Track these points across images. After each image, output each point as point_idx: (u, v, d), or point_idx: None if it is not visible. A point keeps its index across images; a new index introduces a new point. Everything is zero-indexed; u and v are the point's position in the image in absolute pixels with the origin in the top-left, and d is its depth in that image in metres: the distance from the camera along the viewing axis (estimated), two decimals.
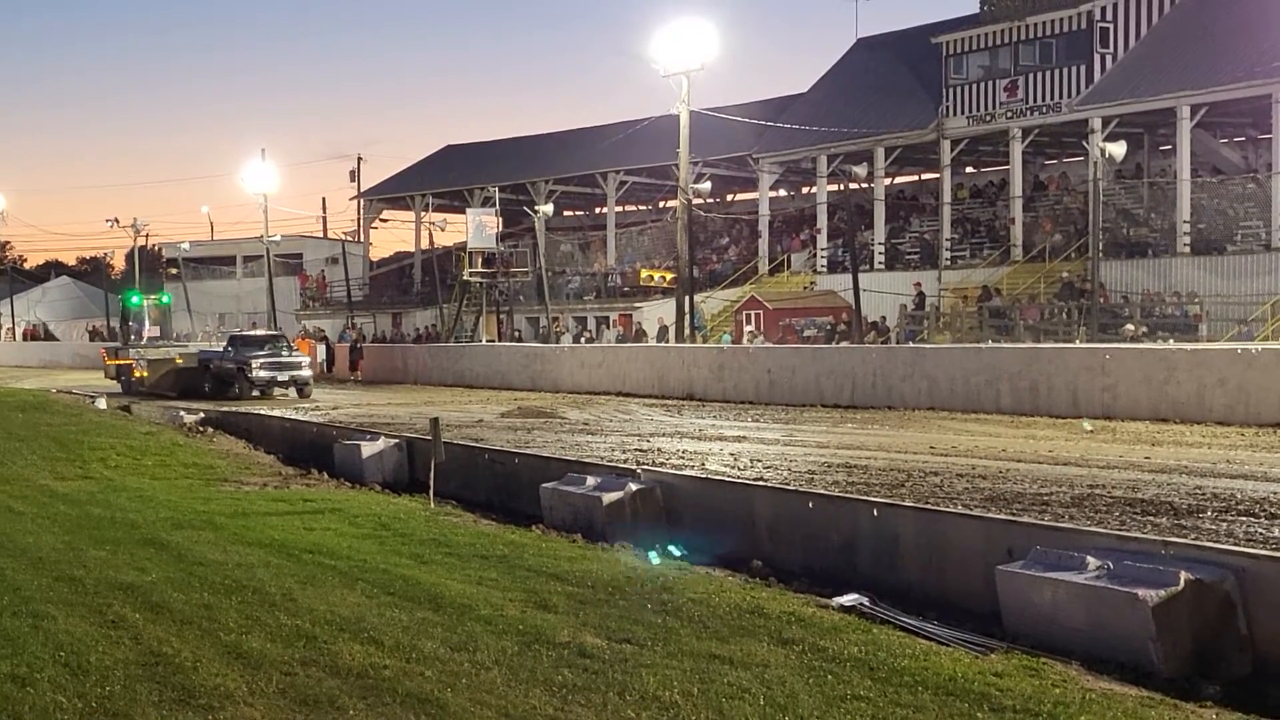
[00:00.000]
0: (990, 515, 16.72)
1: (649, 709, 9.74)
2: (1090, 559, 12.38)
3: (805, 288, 68.66)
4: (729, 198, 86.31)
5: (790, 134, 69.25)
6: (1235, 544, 14.72)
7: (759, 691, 10.10)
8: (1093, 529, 14.83)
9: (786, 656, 11.23)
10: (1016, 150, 61.89)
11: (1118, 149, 48.67)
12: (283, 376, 53.03)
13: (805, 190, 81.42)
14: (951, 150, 64.66)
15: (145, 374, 57.93)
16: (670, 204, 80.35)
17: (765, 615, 12.75)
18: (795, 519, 17.49)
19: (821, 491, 19.56)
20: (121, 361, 61.02)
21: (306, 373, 53.90)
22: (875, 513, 16.33)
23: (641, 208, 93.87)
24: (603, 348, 58.32)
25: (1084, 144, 58.33)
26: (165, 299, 72.47)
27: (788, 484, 21.65)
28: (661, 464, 24.87)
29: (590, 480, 20.41)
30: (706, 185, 65.83)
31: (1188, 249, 54.65)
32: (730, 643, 11.71)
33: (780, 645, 11.61)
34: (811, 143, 69.00)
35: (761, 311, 63.58)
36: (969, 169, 73.94)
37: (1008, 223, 63.13)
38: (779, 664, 10.97)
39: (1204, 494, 19.62)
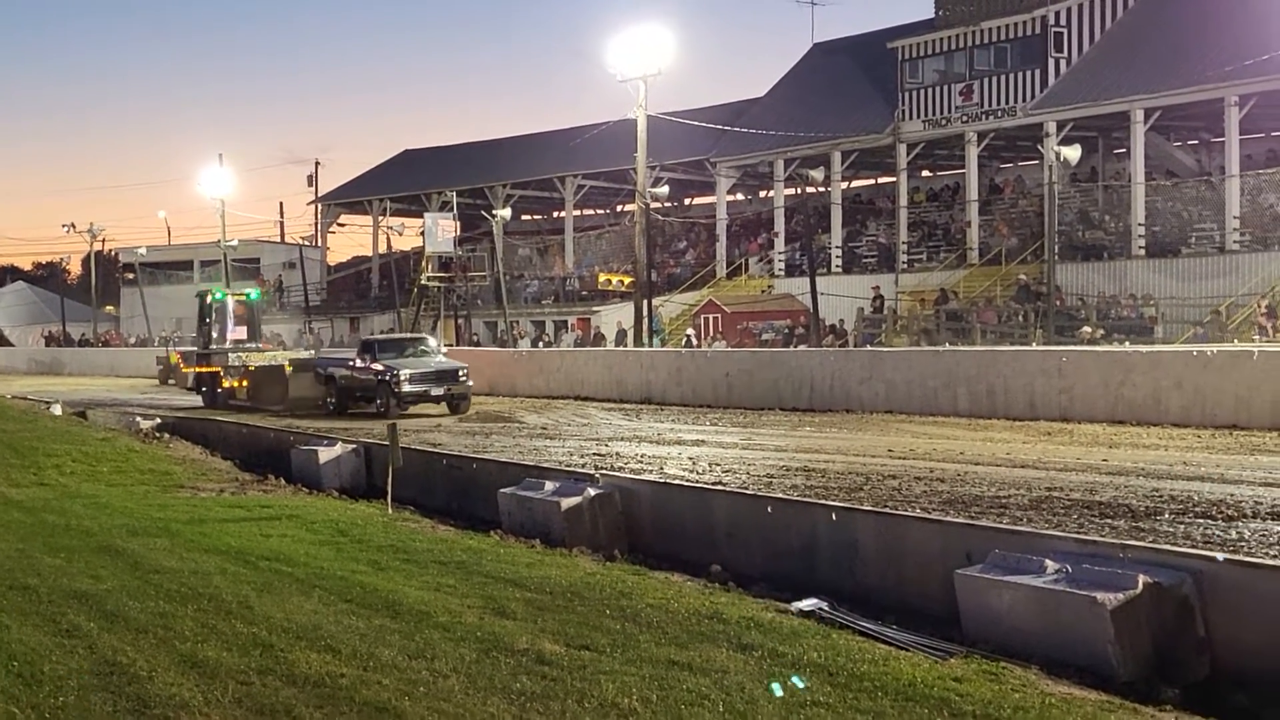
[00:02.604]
0: (948, 519, 16.74)
1: (608, 716, 9.70)
2: (1049, 562, 12.38)
3: (763, 291, 68.76)
4: (687, 201, 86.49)
5: (747, 138, 69.36)
6: (1193, 546, 14.78)
7: (718, 698, 10.06)
8: (1051, 532, 14.85)
9: (746, 662, 11.19)
10: (972, 154, 62.13)
11: (1072, 152, 48.93)
12: (437, 389, 43.80)
13: (763, 194, 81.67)
14: (908, 154, 64.87)
15: (240, 383, 49.86)
16: (628, 208, 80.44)
17: (724, 621, 12.71)
18: (754, 523, 17.46)
19: (780, 495, 19.55)
20: (206, 369, 52.24)
21: (467, 383, 44.58)
22: (834, 516, 16.31)
23: (599, 212, 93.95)
24: (561, 352, 58.23)
25: (1039, 147, 58.62)
26: (254, 294, 58.81)
27: (746, 488, 21.65)
28: (620, 468, 24.86)
29: (548, 485, 20.33)
30: (664, 189, 66.03)
31: (1143, 251, 54.94)
32: (689, 649, 11.66)
33: (739, 651, 11.57)
34: (769, 147, 69.11)
35: (719, 315, 63.66)
36: (925, 173, 74.24)
37: (964, 226, 63.37)
38: (738, 670, 10.94)
39: (1161, 496, 19.68)
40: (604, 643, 11.89)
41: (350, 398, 45.73)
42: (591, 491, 19.61)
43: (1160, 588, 11.61)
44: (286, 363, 49.53)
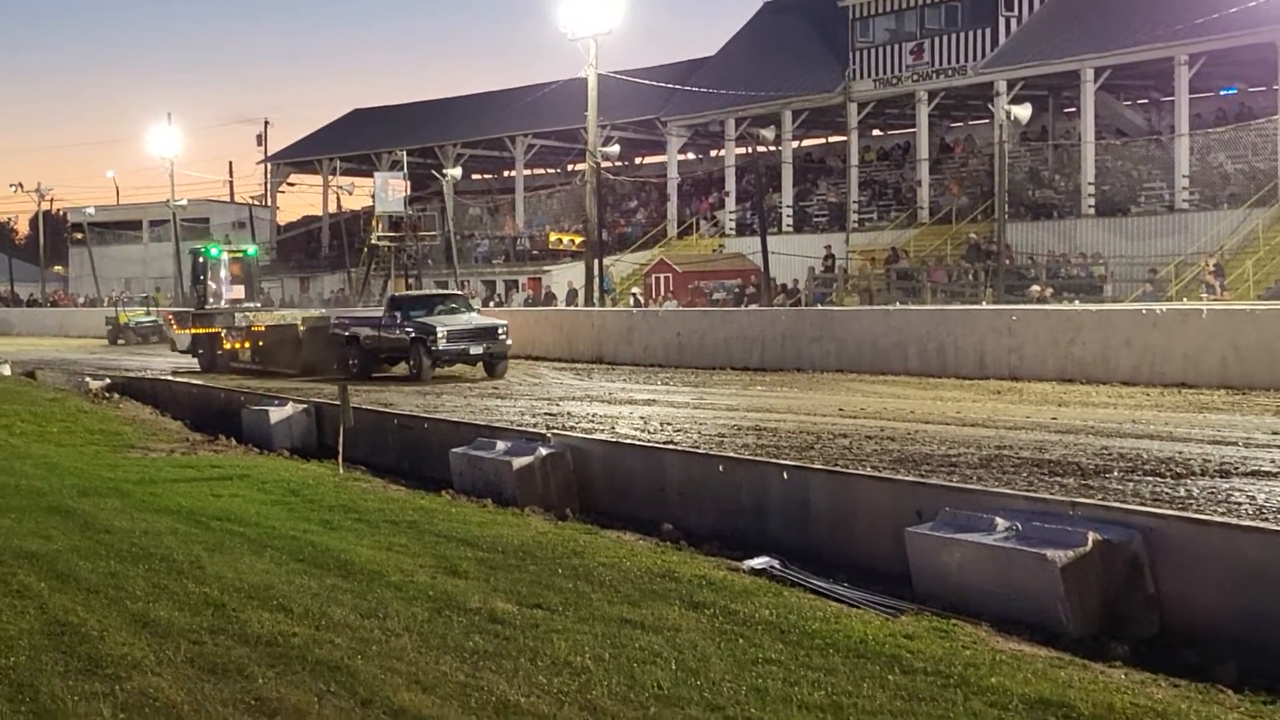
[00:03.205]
0: (899, 477, 16.79)
1: (560, 674, 9.70)
2: (999, 520, 12.42)
3: (714, 251, 68.73)
4: (638, 161, 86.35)
5: (698, 97, 69.21)
6: (1142, 504, 14.88)
7: (670, 656, 10.07)
8: (1001, 490, 14.93)
9: (698, 620, 11.21)
10: (923, 113, 62.18)
11: (1023, 111, 48.98)
12: (476, 348, 40.66)
13: (714, 153, 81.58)
14: (858, 113, 64.90)
15: (242, 345, 47.30)
16: (579, 167, 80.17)
17: (676, 579, 12.73)
18: (706, 482, 17.48)
19: (732, 454, 19.59)
20: (203, 330, 49.35)
21: (506, 341, 41.51)
22: (785, 475, 16.33)
23: (550, 171, 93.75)
24: (511, 311, 58.13)
25: (989, 107, 58.76)
26: (252, 251, 56.47)
27: (698, 447, 21.70)
28: (571, 428, 24.87)
29: (500, 445, 20.29)
30: (615, 148, 65.76)
31: (1092, 210, 55.16)
32: (641, 607, 11.68)
33: (691, 609, 11.59)
34: (719, 106, 68.99)
35: (671, 274, 63.60)
36: (876, 132, 74.21)
37: (914, 185, 63.47)
38: (690, 628, 10.95)
39: (1110, 454, 19.80)
40: (556, 601, 11.89)
41: (375, 360, 43.11)
42: (543, 451, 19.59)
43: (1110, 545, 11.66)
44: (300, 322, 47.25)
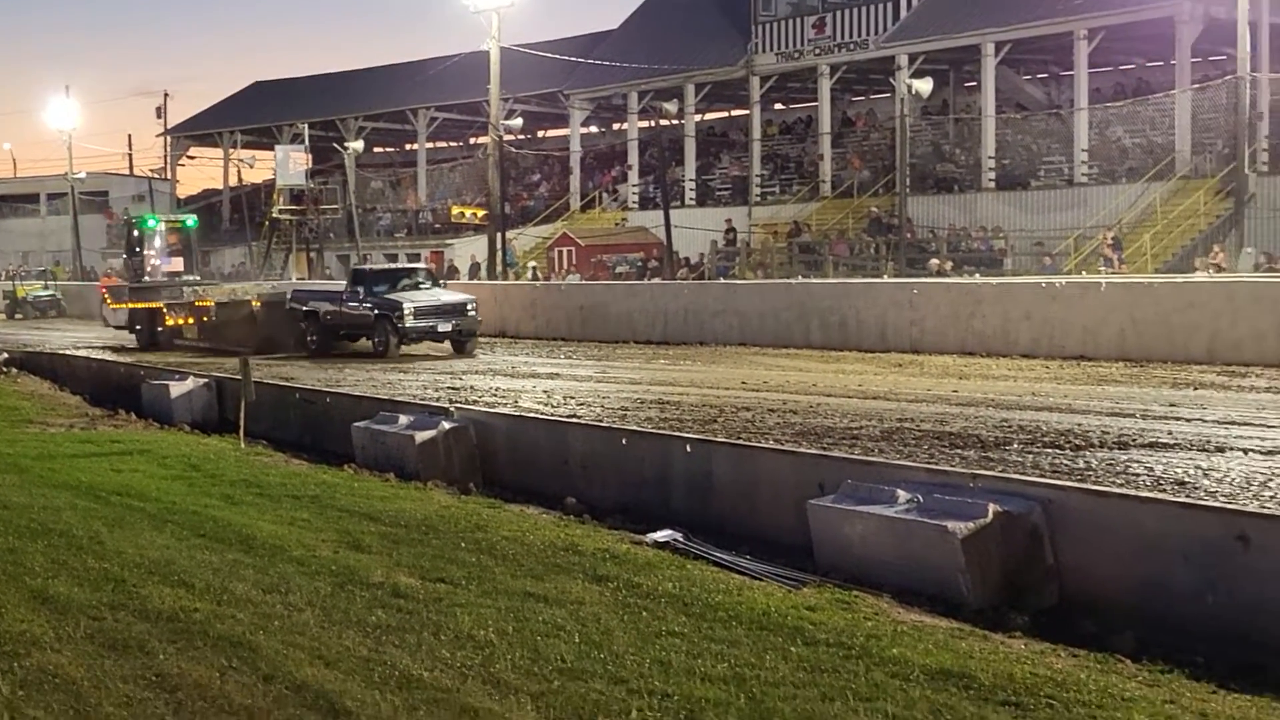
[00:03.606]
0: (801, 450, 16.87)
1: (464, 648, 9.68)
2: (900, 492, 12.49)
3: (617, 224, 68.72)
4: (540, 134, 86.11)
5: (601, 71, 69.11)
6: (1041, 476, 15.02)
7: (574, 629, 10.07)
8: (902, 462, 15.00)
9: (601, 594, 11.22)
10: (825, 87, 62.32)
11: (924, 86, 49.29)
12: (444, 325, 39.03)
13: (616, 127, 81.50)
14: (761, 87, 64.94)
15: (187, 320, 45.05)
16: (481, 140, 79.97)
17: (580, 552, 12.73)
18: (609, 456, 17.49)
19: (635, 428, 19.64)
20: (142, 305, 47.06)
21: (476, 317, 39.95)
22: (688, 449, 16.36)
23: (452, 144, 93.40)
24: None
25: (891, 81, 58.95)
26: (191, 221, 52.42)
27: (601, 421, 21.73)
28: (475, 402, 24.83)
29: (403, 419, 20.21)
30: (518, 122, 65.72)
31: (993, 184, 55.50)
32: (545, 580, 11.67)
33: (595, 582, 11.59)
34: (622, 79, 68.94)
35: (573, 248, 63.59)
36: (778, 105, 74.37)
37: (817, 159, 63.65)
38: (594, 601, 10.95)
39: (1010, 426, 19.98)
40: (459, 575, 11.87)
41: (335, 336, 41.31)
42: (446, 425, 19.53)
43: (1010, 517, 11.75)
44: (255, 297, 44.58)
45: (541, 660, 9.35)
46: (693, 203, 66.61)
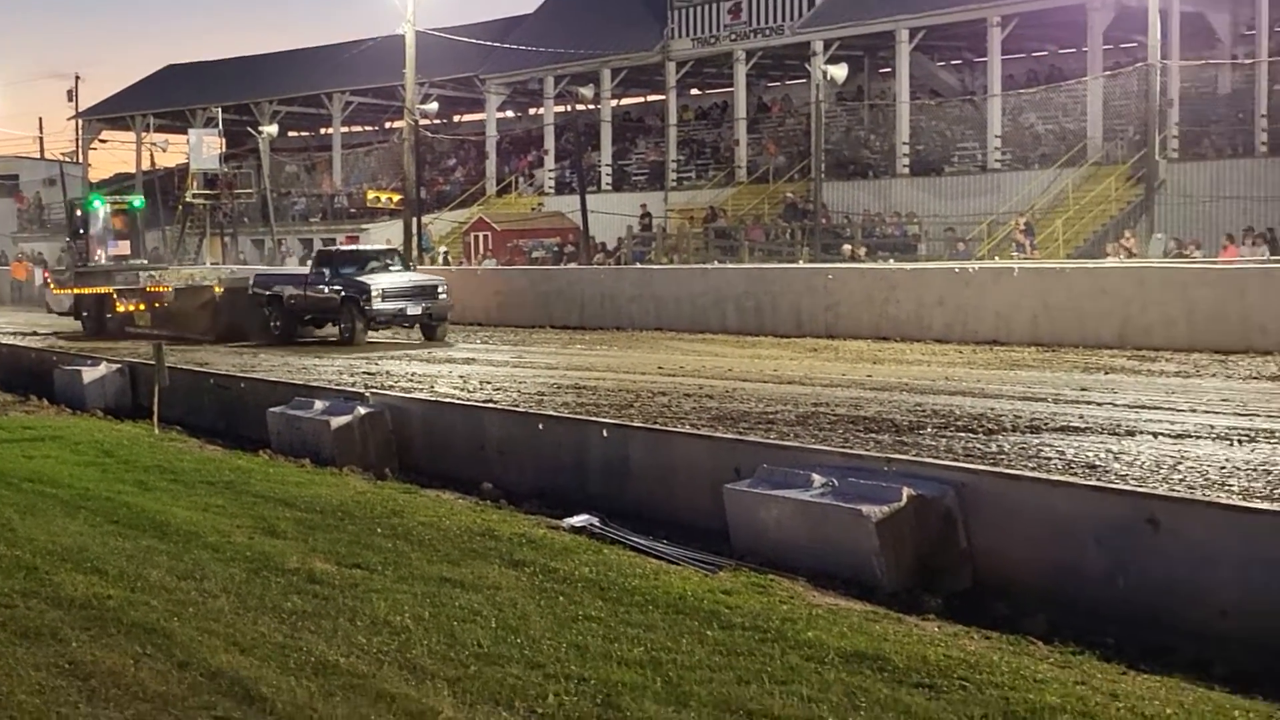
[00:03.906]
0: (717, 434, 16.94)
1: (380, 634, 9.67)
2: (816, 476, 12.54)
3: (533, 209, 68.57)
4: (456, 119, 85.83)
5: (517, 55, 68.89)
6: (955, 459, 15.14)
7: (491, 614, 10.08)
8: (818, 447, 15.07)
9: (518, 578, 11.23)
10: (740, 73, 62.38)
11: (839, 72, 49.54)
12: (414, 308, 37.23)
13: (533, 111, 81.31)
14: (677, 72, 64.94)
15: (138, 307, 43.26)
16: (397, 125, 79.55)
17: (496, 537, 12.73)
18: (525, 441, 17.48)
19: (551, 413, 19.65)
20: (88, 290, 45.08)
21: (447, 301, 38.31)
22: (605, 433, 16.38)
23: (368, 129, 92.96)
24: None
25: (806, 67, 59.10)
26: (137, 202, 50.15)
27: (517, 406, 21.74)
28: (390, 387, 24.81)
29: (318, 404, 20.12)
30: (433, 106, 65.54)
31: (907, 170, 55.73)
32: (461, 566, 11.67)
33: (511, 567, 11.60)
34: (538, 64, 68.75)
35: (490, 233, 63.44)
36: (694, 91, 74.41)
37: (732, 144, 63.73)
38: (510, 586, 10.97)
39: (924, 411, 20.12)
40: (375, 561, 11.85)
41: (300, 321, 39.85)
42: (362, 410, 19.47)
43: (924, 500, 11.83)
44: (217, 282, 43.30)
45: (458, 645, 9.36)
46: (609, 188, 66.54)
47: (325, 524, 13.50)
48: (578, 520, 13.64)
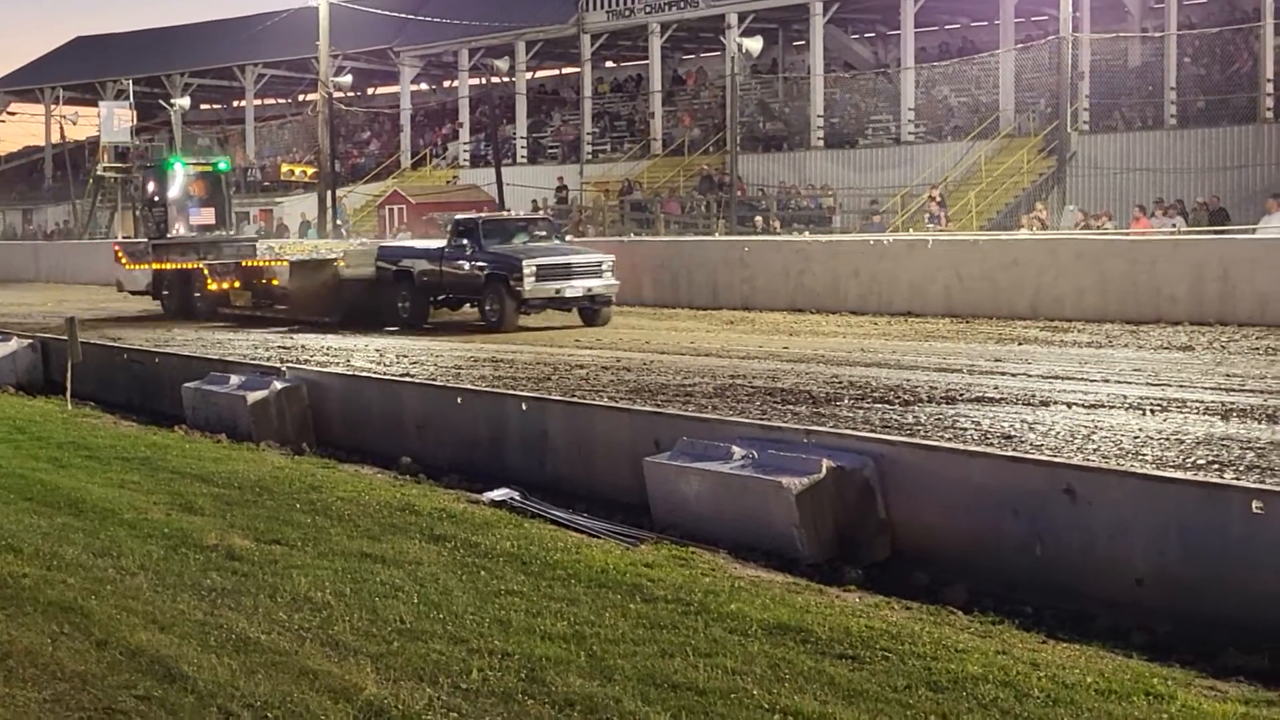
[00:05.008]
0: (637, 407, 16.95)
1: (301, 610, 9.64)
2: (735, 449, 12.58)
3: (448, 182, 68.29)
4: (370, 91, 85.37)
5: (432, 27, 68.53)
6: (872, 431, 15.23)
7: (412, 589, 10.07)
8: (737, 419, 15.13)
9: (439, 553, 11.21)
10: (655, 45, 62.29)
11: (754, 44, 49.50)
12: (573, 290, 31.46)
13: (447, 84, 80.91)
14: (592, 45, 64.80)
15: (231, 284, 37.74)
16: (311, 97, 79.00)
17: (416, 512, 12.71)
18: (444, 415, 17.43)
19: (469, 386, 19.61)
20: (171, 265, 39.55)
21: (613, 281, 32.23)
22: (524, 407, 16.36)
23: (281, 101, 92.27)
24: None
25: (721, 39, 59.01)
26: (224, 164, 43.66)
27: (435, 379, 21.71)
28: (306, 361, 24.68)
29: (234, 379, 20.00)
30: (347, 79, 64.99)
31: (821, 143, 55.85)
32: (382, 541, 11.64)
33: (432, 542, 11.58)
34: (453, 36, 68.40)
35: (405, 206, 63.14)
36: (610, 64, 74.33)
37: (648, 117, 63.67)
38: (432, 561, 10.95)
39: (841, 382, 20.20)
40: (295, 537, 11.81)
41: (433, 302, 34.34)
42: (278, 385, 19.35)
43: (843, 472, 11.89)
44: (340, 256, 36.78)
45: (380, 621, 9.35)
46: (524, 161, 66.41)
47: (243, 500, 13.43)
48: (498, 494, 13.64)
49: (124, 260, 41.64)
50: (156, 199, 41.25)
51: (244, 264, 38.22)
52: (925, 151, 51.57)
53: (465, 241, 32.75)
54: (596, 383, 21.10)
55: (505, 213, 38.32)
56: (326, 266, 36.16)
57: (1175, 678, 8.32)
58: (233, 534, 11.94)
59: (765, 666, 8.32)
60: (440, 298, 34.07)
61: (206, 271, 38.09)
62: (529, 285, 30.75)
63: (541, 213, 44.15)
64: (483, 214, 39.32)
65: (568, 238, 36.82)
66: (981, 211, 45.74)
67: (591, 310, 31.89)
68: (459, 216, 37.39)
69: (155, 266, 39.81)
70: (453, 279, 33.05)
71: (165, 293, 39.65)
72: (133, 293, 41.20)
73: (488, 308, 32.01)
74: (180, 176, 41.16)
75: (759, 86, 62.76)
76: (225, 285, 37.75)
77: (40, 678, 8.50)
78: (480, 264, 32.10)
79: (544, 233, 34.66)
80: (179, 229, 40.74)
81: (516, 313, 31.17)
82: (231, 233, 42.12)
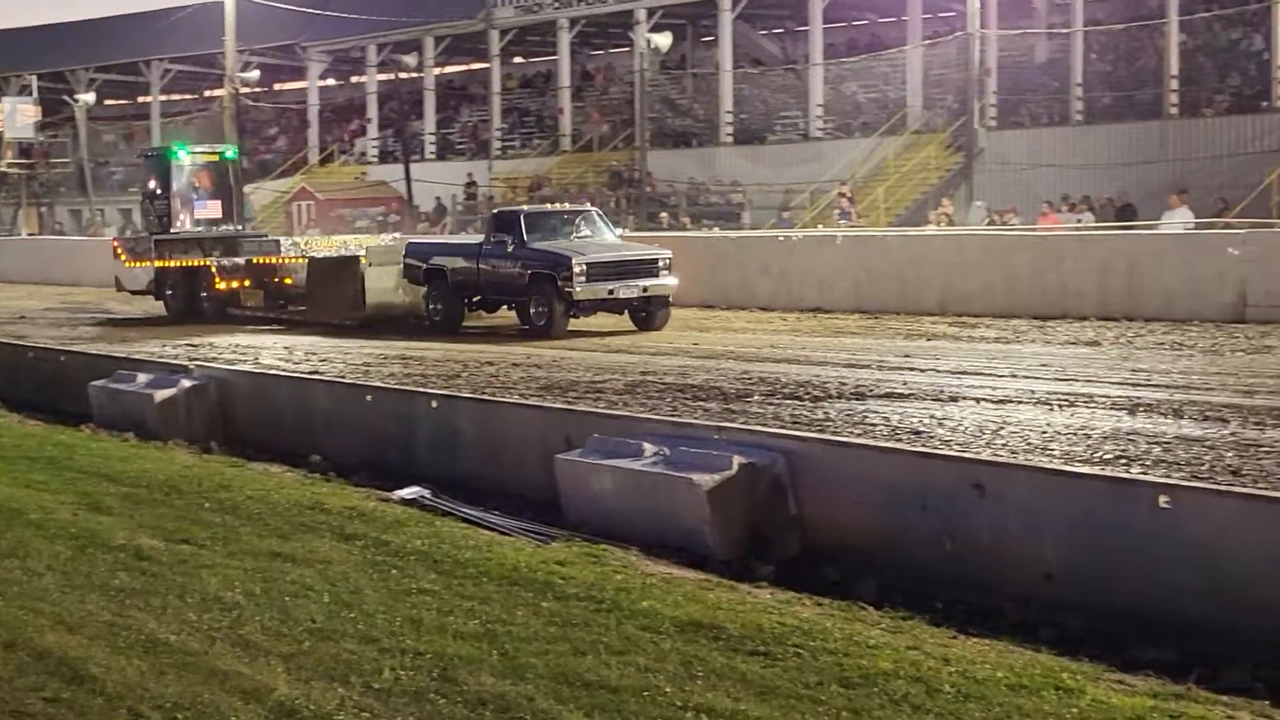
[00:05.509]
0: (547, 404, 16.97)
1: (211, 610, 9.59)
2: (647, 445, 12.59)
3: (357, 178, 68.00)
4: (277, 87, 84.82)
5: (339, 23, 68.11)
6: (783, 427, 15.26)
7: (323, 589, 10.04)
8: (649, 416, 15.15)
9: (349, 552, 11.18)
10: (564, 41, 62.24)
11: (663, 40, 49.65)
12: (628, 290, 28.13)
13: (355, 79, 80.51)
14: (500, 40, 64.66)
15: (241, 283, 34.61)
16: (217, 93, 78.40)
17: (326, 511, 12.66)
18: (353, 412, 17.38)
19: (378, 384, 19.55)
20: (175, 263, 35.85)
21: (670, 280, 28.72)
22: (434, 404, 16.34)
23: (188, 96, 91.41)
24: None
25: (630, 35, 59.03)
26: (231, 153, 39.86)
27: (344, 377, 21.61)
28: (214, 359, 24.49)
29: (142, 377, 19.86)
30: (254, 74, 64.73)
31: (730, 139, 55.94)
32: (292, 540, 11.60)
33: (343, 541, 11.55)
34: (361, 32, 68.03)
35: (313, 202, 62.82)
36: (518, 59, 74.10)
37: (557, 113, 63.62)
38: (342, 560, 10.92)
39: (751, 378, 20.25)
40: (204, 536, 11.75)
41: (468, 304, 30.80)
42: (186, 383, 19.24)
43: (754, 468, 11.93)
44: (364, 253, 33.02)
45: (291, 621, 9.31)
46: (433, 157, 66.17)
47: (151, 499, 13.35)
48: (408, 492, 13.62)
49: (124, 257, 37.84)
50: (159, 191, 37.31)
51: (253, 261, 35.02)
52: (834, 147, 51.72)
53: (506, 237, 29.09)
54: (507, 379, 21.07)
55: (548, 205, 33.83)
56: (349, 264, 32.79)
57: (1085, 672, 8.40)
58: (141, 534, 11.86)
59: (678, 664, 8.34)
60: (476, 299, 30.64)
61: (214, 269, 35.10)
62: (579, 285, 27.49)
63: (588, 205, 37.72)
64: (524, 206, 35.03)
65: (617, 231, 33.04)
66: (890, 208, 45.96)
67: (648, 314, 28.74)
68: (499, 209, 34.98)
69: (158, 264, 36.06)
70: (492, 279, 29.61)
71: (169, 292, 36.27)
72: (133, 292, 37.64)
73: (534, 311, 28.48)
74: (185, 167, 37.33)
75: (668, 82, 62.83)
76: (235, 284, 34.84)
77: None
78: (524, 262, 28.61)
79: (593, 226, 30.71)
80: (184, 223, 36.93)
81: (566, 316, 28.01)
82: (239, 227, 38.18)
